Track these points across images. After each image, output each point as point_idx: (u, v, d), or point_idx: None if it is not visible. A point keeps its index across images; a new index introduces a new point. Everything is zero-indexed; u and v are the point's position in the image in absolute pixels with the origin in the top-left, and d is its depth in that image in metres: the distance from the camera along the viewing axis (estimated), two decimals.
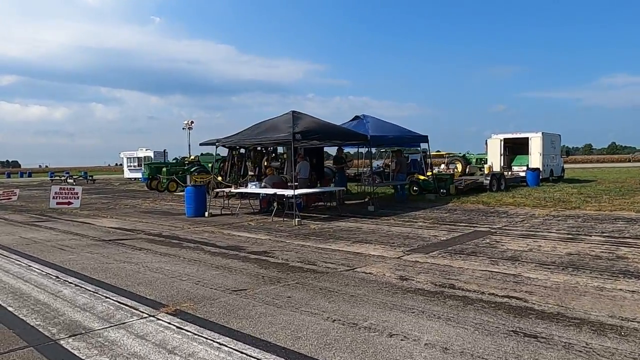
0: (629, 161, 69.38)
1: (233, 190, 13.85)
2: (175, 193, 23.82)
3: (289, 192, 12.30)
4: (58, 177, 44.53)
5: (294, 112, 13.70)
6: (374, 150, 23.41)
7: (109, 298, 5.20)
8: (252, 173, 20.17)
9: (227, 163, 20.47)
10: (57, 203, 9.06)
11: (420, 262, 7.07)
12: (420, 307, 4.76)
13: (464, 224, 10.95)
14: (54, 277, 6.29)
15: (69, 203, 9.09)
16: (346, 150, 21.09)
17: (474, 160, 31.87)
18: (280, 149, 20.52)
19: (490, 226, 10.52)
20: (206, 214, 13.72)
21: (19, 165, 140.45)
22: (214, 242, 9.26)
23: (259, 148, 19.83)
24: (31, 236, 10.25)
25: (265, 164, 18.85)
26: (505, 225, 10.53)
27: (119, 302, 5.03)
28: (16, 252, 8.33)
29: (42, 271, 6.70)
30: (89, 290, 5.56)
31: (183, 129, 48.83)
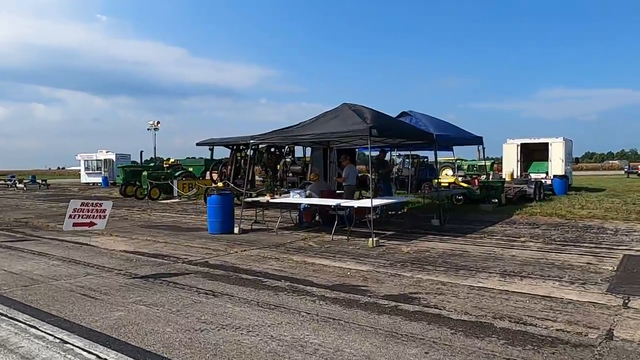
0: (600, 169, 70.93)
1: (271, 200, 10.96)
2: (159, 201, 20.40)
3: (363, 203, 9.65)
4: (3, 182, 39.11)
5: (347, 104, 11.05)
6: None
7: None
8: (261, 178, 17.26)
9: (230, 167, 17.41)
10: (75, 224, 5.97)
11: None
12: None
13: (585, 244, 8.76)
14: None
15: (91, 224, 6.10)
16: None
17: (466, 167, 30.28)
18: (298, 152, 17.70)
19: (625, 248, 8.36)
20: (236, 229, 10.79)
21: None
22: (302, 277, 6.48)
23: (272, 149, 16.94)
24: (21, 269, 6.99)
25: (284, 168, 16.01)
26: None
27: None
28: (16, 304, 5.16)
29: (94, 354, 3.70)
30: None
31: (148, 129, 44.70)
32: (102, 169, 39.51)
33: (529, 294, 5.54)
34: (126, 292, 5.65)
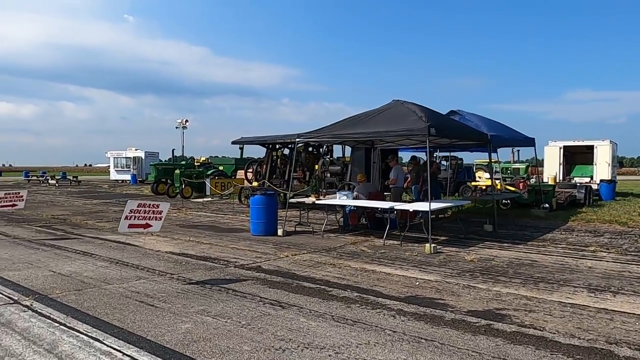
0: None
1: (317, 201, 10.50)
2: (192, 200, 20.17)
3: (419, 206, 9.10)
4: (36, 177, 39.70)
5: (398, 100, 10.50)
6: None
7: None
8: (299, 176, 16.76)
9: (265, 166, 17.02)
10: (130, 226, 5.60)
11: None
12: None
13: None
14: None
15: (147, 226, 5.73)
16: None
17: (500, 169, 29.33)
18: (336, 151, 17.20)
19: None
20: (280, 231, 10.36)
21: None
22: (368, 287, 5.97)
23: (310, 148, 16.48)
24: (69, 270, 6.67)
25: (322, 168, 15.53)
26: None
27: None
28: (72, 311, 4.79)
29: None
30: None
31: (177, 127, 45.08)
32: (131, 167, 39.70)
33: (633, 313, 4.93)
34: (185, 299, 5.23)
